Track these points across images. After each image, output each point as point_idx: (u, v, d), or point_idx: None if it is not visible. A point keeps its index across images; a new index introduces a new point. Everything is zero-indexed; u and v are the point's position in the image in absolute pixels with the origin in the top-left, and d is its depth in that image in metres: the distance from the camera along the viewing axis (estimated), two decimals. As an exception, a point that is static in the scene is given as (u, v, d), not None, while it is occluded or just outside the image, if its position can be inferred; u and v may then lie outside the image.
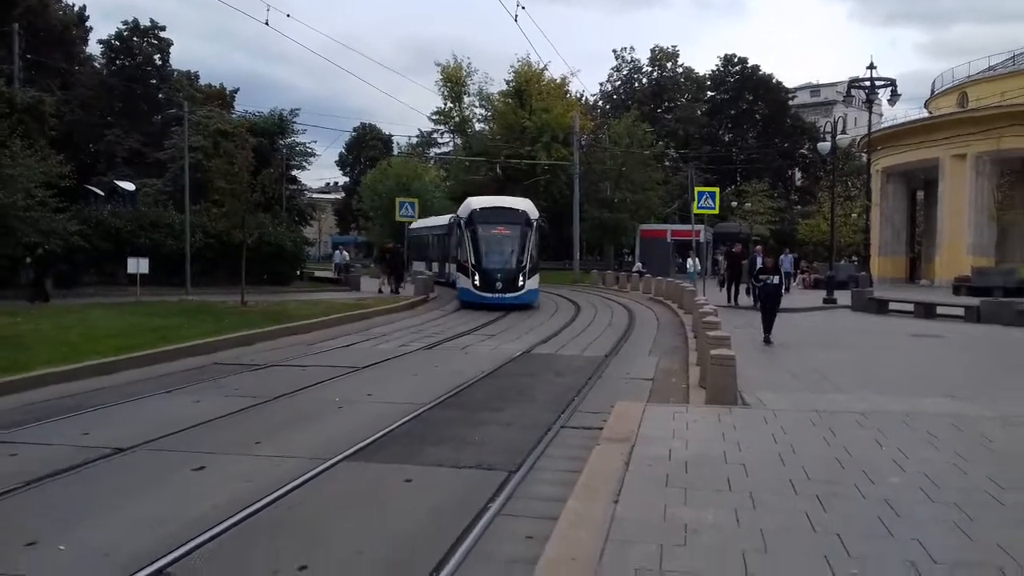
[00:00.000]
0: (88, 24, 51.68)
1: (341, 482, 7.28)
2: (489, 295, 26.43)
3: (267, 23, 21.98)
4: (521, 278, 26.85)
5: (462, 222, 28.58)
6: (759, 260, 18.29)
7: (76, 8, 50.78)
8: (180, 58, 64.17)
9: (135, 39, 53.04)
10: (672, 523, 5.47)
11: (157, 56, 54.40)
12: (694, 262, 34.30)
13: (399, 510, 6.56)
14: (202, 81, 55.79)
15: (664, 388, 12.18)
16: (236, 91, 57.57)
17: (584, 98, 72.31)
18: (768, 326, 16.67)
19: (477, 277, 26.84)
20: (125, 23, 53.28)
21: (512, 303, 26.32)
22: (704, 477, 6.56)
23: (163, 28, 54.48)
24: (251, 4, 27.62)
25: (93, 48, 53.39)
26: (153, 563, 5.25)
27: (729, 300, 27.38)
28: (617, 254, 67.30)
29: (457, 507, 6.51)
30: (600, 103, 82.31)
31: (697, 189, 29.67)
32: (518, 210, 28.42)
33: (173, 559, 5.35)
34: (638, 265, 45.16)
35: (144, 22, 53.76)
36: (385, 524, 6.22)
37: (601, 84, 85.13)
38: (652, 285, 34.64)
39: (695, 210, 28.33)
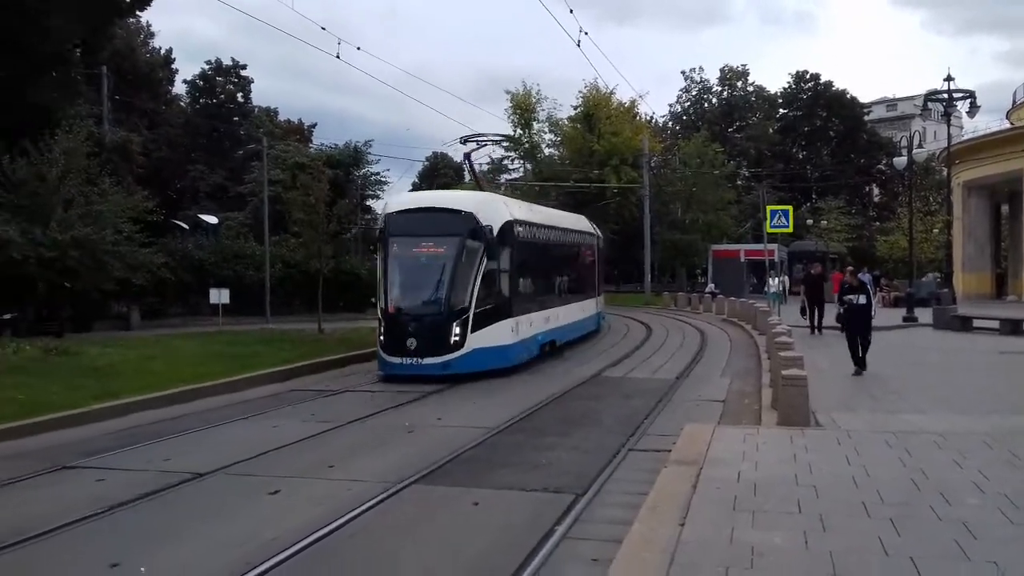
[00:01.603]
0: (174, 66, 53.83)
1: (410, 506, 7.40)
2: (397, 360, 15.47)
3: (338, 56, 22.42)
4: (457, 330, 15.50)
5: (377, 235, 17.87)
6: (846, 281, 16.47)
7: (162, 51, 52.98)
8: (260, 95, 66.20)
9: (218, 78, 55.14)
10: (738, 546, 5.41)
11: (239, 94, 56.37)
12: (774, 281, 33.41)
13: (466, 533, 6.65)
14: (281, 117, 57.57)
15: (736, 410, 12.02)
16: (314, 125, 59.26)
17: (653, 120, 72.07)
18: (856, 352, 14.51)
19: (383, 328, 15.94)
20: (208, 63, 55.51)
21: (437, 374, 15.19)
22: (773, 499, 6.46)
23: (244, 67, 56.50)
24: (324, 39, 28.44)
25: (179, 88, 55.64)
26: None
27: (813, 328, 22.79)
28: (689, 275, 66.55)
29: (524, 530, 6.55)
30: (669, 124, 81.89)
31: (769, 208, 29.10)
32: (459, 212, 16.48)
33: (245, 582, 5.53)
34: (711, 286, 44.58)
35: (226, 61, 55.91)
36: (452, 547, 6.31)
37: (670, 105, 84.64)
38: (725, 306, 34.18)
39: (768, 229, 27.84)
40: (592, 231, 27.40)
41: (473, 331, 15.58)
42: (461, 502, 7.39)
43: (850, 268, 23.16)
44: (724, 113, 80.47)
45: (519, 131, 64.35)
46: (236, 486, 8.06)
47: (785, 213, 27.32)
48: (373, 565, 5.88)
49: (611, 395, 13.67)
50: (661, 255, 59.08)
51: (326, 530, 6.52)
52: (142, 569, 5.81)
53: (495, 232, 16.22)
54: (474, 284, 15.75)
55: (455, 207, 16.74)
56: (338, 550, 6.24)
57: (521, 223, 17.92)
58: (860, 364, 14.52)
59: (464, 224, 16.07)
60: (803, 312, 24.15)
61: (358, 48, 30.73)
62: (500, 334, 16.25)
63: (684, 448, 8.35)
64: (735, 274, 46.50)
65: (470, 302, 15.66)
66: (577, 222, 26.00)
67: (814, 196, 73.10)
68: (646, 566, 5.10)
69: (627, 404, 12.68)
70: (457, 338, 15.45)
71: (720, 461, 7.70)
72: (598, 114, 59.08)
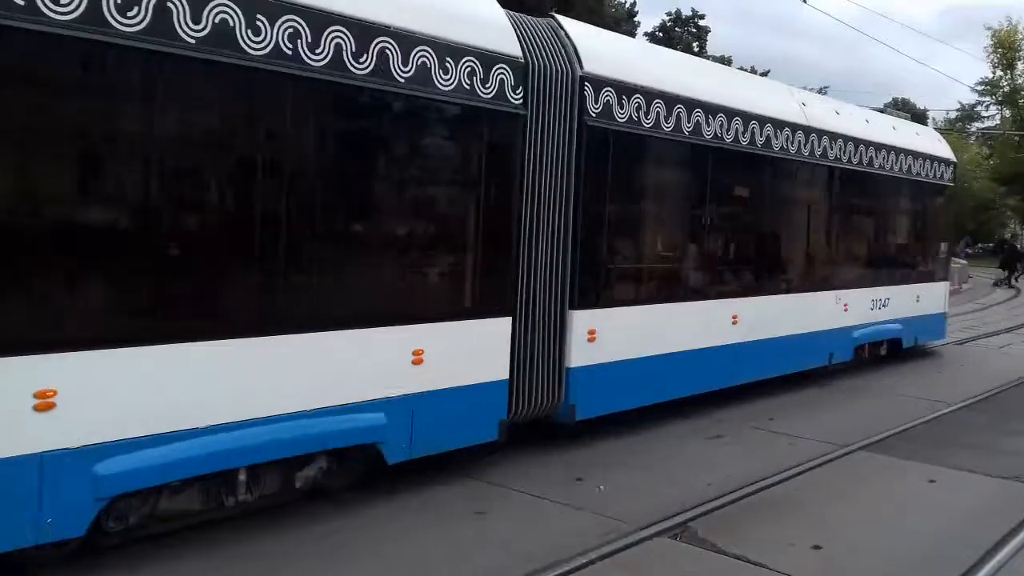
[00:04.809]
0: (636, 19, 56.30)
1: (857, 471, 7.23)
2: None
3: (805, 1, 21.54)
4: None
5: None
6: None
7: (627, 5, 55.71)
8: (715, 43, 66.82)
9: (676, 29, 56.66)
10: None
11: (695, 44, 57.28)
12: None
13: (920, 510, 6.37)
14: (735, 64, 57.43)
15: None
16: (766, 72, 58.09)
17: None
18: None
19: None
20: (669, 14, 57.26)
21: None
22: None
23: (702, 16, 57.30)
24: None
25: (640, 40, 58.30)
26: (677, 515, 5.81)
27: None
28: None
29: (986, 517, 6.09)
30: None
31: None
32: None
33: (695, 515, 5.86)
34: None
35: (685, 12, 57.19)
36: (903, 521, 6.08)
37: None
38: None
39: None
40: None
41: None
42: (915, 477, 7.04)
43: None
44: None
45: (999, 72, 56.72)
46: (681, 428, 8.38)
47: None
48: (816, 524, 5.86)
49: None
50: None
51: (769, 481, 6.65)
52: (600, 487, 6.44)
53: None
54: None
55: None
56: (780, 502, 6.34)
57: None
58: None
59: None
60: None
61: (823, -11, 28.97)
62: None
63: None
64: None
65: None
66: None
67: None
68: None
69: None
70: None
71: None
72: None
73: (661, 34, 56.73)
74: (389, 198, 6.15)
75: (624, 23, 53.32)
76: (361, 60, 5.38)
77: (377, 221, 6.04)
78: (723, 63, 55.54)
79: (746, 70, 56.86)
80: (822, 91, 45.93)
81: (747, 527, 5.78)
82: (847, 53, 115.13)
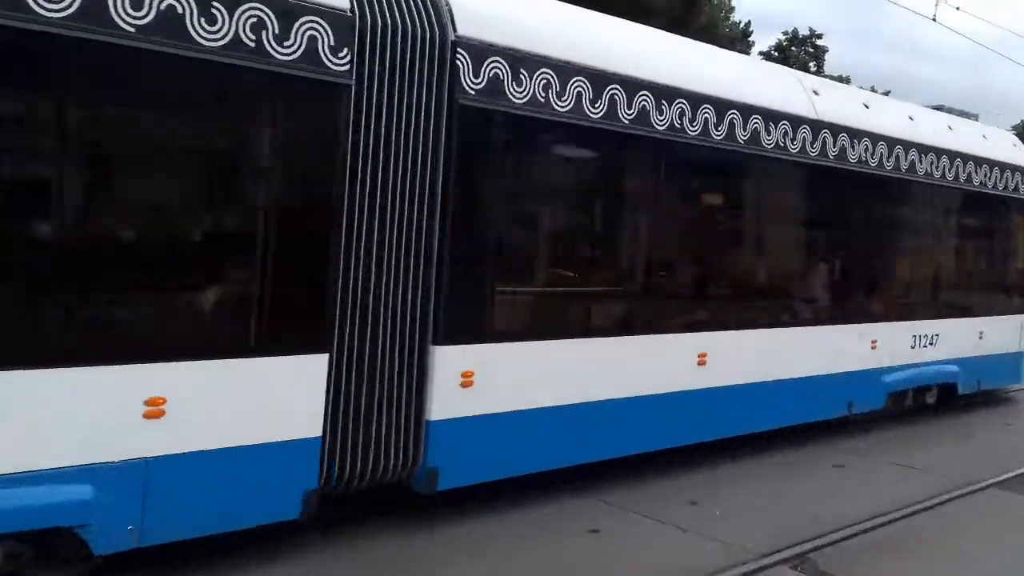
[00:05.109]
0: (751, 39, 55.50)
1: (987, 509, 6.97)
2: None
3: (934, 19, 20.67)
4: None
5: None
6: None
7: (741, 24, 55.00)
8: (833, 63, 65.54)
9: (793, 48, 55.59)
10: None
11: (812, 63, 55.98)
12: None
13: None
14: (854, 83, 55.87)
15: None
16: (887, 93, 56.29)
17: None
18: None
19: None
20: (785, 34, 56.26)
21: None
22: None
23: (820, 36, 56.07)
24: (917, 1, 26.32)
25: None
26: (796, 545, 5.67)
27: None
28: None
29: None
30: None
31: None
32: None
33: (815, 546, 5.70)
34: None
35: (802, 31, 56.02)
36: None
37: None
38: None
39: None
40: None
41: None
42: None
43: None
44: None
45: None
46: (804, 454, 8.20)
47: None
48: (946, 562, 5.63)
49: None
50: None
51: (893, 515, 6.43)
52: (717, 512, 6.34)
53: None
54: None
55: None
56: (905, 537, 6.15)
57: None
58: None
59: None
60: None
61: (957, 8, 27.71)
62: None
63: None
64: None
65: None
66: None
67: None
68: None
69: None
70: None
71: None
72: None
73: (777, 53, 55.78)
74: (107, 191, 4.49)
75: (739, 43, 52.68)
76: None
77: (88, 223, 4.38)
78: (841, 82, 54.24)
79: (865, 89, 55.33)
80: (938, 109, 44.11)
81: (870, 562, 5.64)
82: (975, 73, 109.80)
